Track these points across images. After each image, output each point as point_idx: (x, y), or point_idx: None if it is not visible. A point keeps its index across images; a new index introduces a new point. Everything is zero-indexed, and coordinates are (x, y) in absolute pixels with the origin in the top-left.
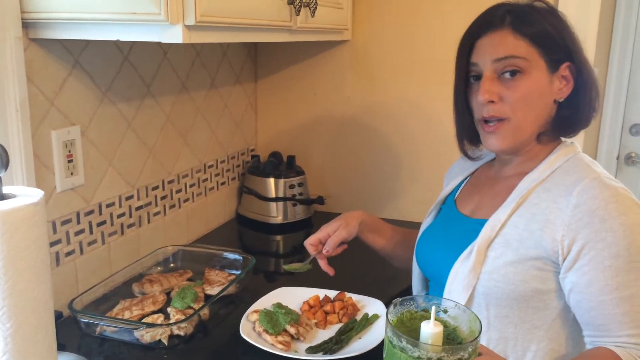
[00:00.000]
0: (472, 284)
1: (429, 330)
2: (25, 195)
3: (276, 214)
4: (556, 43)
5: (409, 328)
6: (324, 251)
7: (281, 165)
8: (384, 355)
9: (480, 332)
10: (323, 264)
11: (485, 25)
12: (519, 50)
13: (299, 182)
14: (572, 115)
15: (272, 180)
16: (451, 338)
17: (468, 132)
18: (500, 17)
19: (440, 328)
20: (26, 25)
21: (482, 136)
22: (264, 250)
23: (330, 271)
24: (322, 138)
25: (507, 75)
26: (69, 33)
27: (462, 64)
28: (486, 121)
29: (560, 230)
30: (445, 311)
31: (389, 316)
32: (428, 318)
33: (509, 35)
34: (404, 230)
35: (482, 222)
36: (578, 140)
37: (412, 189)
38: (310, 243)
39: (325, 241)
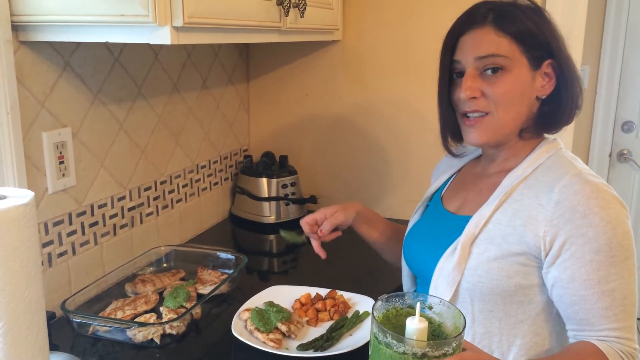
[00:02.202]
0: (456, 279)
1: (414, 326)
2: (16, 196)
3: (269, 213)
4: (538, 40)
5: (394, 324)
6: (319, 231)
7: (274, 165)
8: (370, 352)
9: (464, 328)
10: (316, 245)
11: (468, 22)
12: (501, 48)
13: (292, 181)
14: (554, 111)
15: (264, 180)
16: (436, 334)
17: (451, 128)
18: (483, 14)
19: (425, 324)
20: (16, 28)
21: (463, 131)
22: (257, 249)
23: (322, 254)
24: (314, 138)
25: (489, 72)
26: (59, 35)
27: (445, 61)
28: (467, 115)
29: (542, 226)
30: (431, 308)
31: (374, 312)
32: (414, 314)
33: (490, 33)
34: (396, 225)
35: (466, 219)
36: (569, 138)
37: (403, 186)
38: (306, 221)
39: (321, 222)
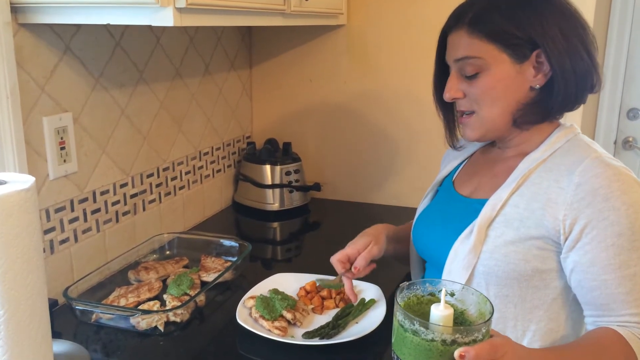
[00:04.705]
0: (472, 263)
1: (439, 312)
2: (17, 181)
3: (273, 201)
4: (515, 36)
5: (416, 312)
6: (353, 269)
7: (277, 152)
8: (393, 341)
9: (492, 313)
10: (348, 285)
11: (451, 22)
12: (473, 50)
13: (295, 168)
14: (546, 100)
15: (268, 167)
16: (459, 321)
17: (453, 122)
18: (462, 15)
19: (450, 310)
20: (15, 10)
21: (460, 127)
22: (261, 237)
23: (354, 298)
24: (318, 124)
25: (468, 74)
26: (59, 17)
27: (437, 59)
28: (461, 114)
29: (562, 209)
30: (452, 294)
31: (398, 300)
32: (435, 302)
33: (464, 36)
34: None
35: (482, 202)
36: (576, 125)
37: (408, 174)
38: (337, 259)
39: (354, 259)
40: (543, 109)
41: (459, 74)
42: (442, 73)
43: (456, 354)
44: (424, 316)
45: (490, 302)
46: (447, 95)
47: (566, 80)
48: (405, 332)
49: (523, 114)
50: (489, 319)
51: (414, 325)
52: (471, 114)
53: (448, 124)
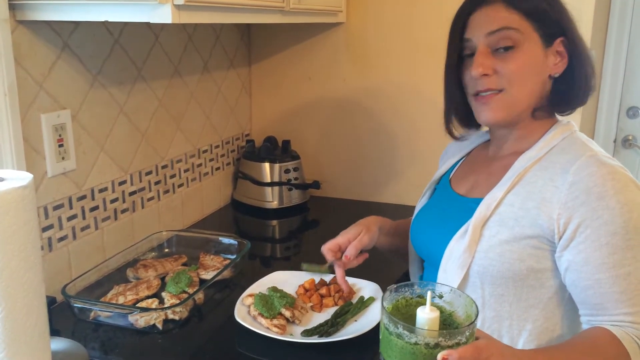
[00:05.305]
0: (467, 262)
1: (425, 315)
2: (14, 178)
3: (272, 198)
4: (550, 17)
5: (404, 315)
6: (343, 257)
7: (276, 149)
8: (380, 343)
9: (476, 317)
10: (340, 273)
11: (478, 0)
12: (512, 21)
13: (295, 166)
14: (567, 91)
15: (267, 165)
16: (447, 323)
17: (457, 110)
18: None
19: (436, 313)
20: (13, 6)
21: (475, 110)
22: (260, 235)
23: (345, 287)
24: (317, 122)
25: (502, 49)
26: (57, 14)
27: (454, 40)
28: (480, 94)
29: (557, 208)
30: (441, 296)
31: (384, 303)
32: (424, 304)
33: (501, 9)
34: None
35: (477, 201)
36: (576, 123)
37: (408, 172)
38: (328, 248)
39: (345, 248)
40: (560, 100)
41: (488, 50)
42: (456, 55)
43: (439, 357)
44: (412, 318)
45: (476, 305)
46: (478, 71)
47: (579, 73)
48: (390, 335)
49: (543, 104)
50: (473, 322)
51: (397, 328)
52: (498, 92)
53: (454, 111)
